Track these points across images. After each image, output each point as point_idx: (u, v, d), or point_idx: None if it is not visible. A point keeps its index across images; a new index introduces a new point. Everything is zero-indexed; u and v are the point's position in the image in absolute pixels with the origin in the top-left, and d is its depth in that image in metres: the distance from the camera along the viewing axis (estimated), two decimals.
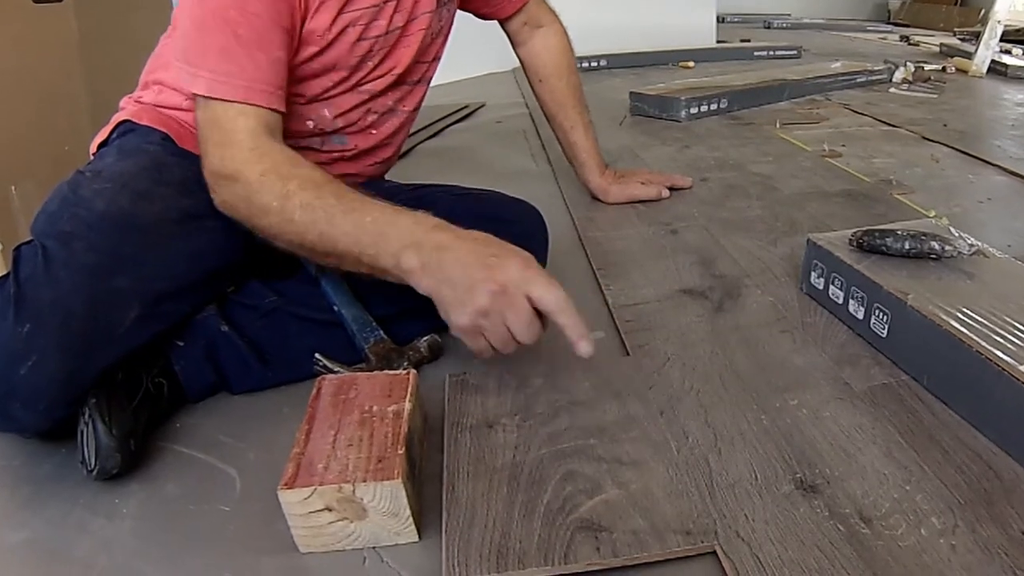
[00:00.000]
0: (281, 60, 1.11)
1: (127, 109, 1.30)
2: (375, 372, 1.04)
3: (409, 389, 0.98)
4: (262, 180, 1.03)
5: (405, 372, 1.02)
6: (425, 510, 0.90)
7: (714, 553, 0.81)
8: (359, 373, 1.03)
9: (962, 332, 1.00)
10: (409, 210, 1.03)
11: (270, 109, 1.09)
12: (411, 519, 0.84)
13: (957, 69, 3.68)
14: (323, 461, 0.85)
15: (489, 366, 1.13)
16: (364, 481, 0.82)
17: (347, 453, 0.86)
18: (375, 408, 0.95)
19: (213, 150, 1.07)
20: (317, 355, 1.16)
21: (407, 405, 0.94)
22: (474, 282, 0.95)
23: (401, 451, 0.86)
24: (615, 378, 1.12)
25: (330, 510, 0.83)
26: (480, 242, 0.99)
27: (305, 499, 0.82)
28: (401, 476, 0.82)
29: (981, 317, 1.03)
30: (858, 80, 3.36)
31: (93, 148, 1.30)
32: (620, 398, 1.07)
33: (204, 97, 1.07)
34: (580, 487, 0.90)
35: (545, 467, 0.93)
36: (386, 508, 0.83)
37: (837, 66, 3.46)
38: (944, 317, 1.04)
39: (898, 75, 3.43)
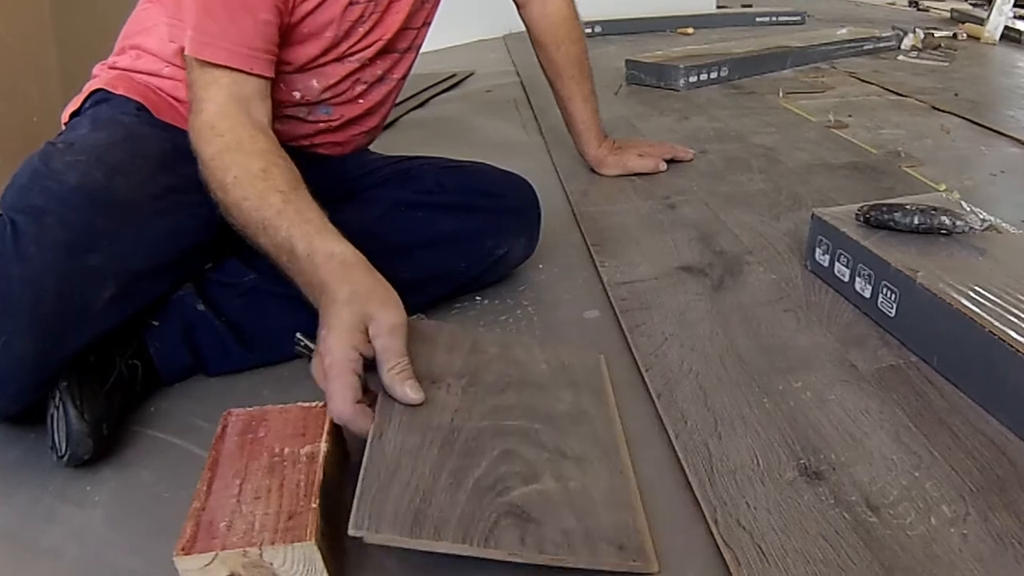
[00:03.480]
0: (269, 23, 1.10)
1: (101, 77, 1.28)
2: (288, 405, 0.94)
3: (325, 426, 0.89)
4: (212, 163, 1.03)
5: (321, 405, 0.91)
6: (345, 561, 0.83)
7: (721, 562, 0.79)
8: (269, 407, 0.94)
9: (974, 311, 1.00)
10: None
11: (251, 74, 1.08)
12: None
13: (969, 36, 3.67)
14: (226, 518, 0.76)
15: (480, 315, 1.08)
16: (272, 543, 0.74)
17: (253, 508, 0.78)
18: (286, 450, 0.86)
19: (190, 117, 1.08)
20: (298, 335, 1.14)
21: (323, 447, 0.86)
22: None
23: (314, 504, 0.78)
24: (575, 368, 1.08)
25: None
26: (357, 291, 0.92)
27: (205, 566, 0.73)
28: (314, 536, 0.74)
29: (994, 295, 1.03)
30: (865, 47, 3.35)
31: (65, 118, 1.28)
32: (575, 389, 1.03)
33: (189, 56, 1.08)
34: (516, 470, 0.85)
35: (483, 439, 0.88)
36: (299, 573, 0.75)
37: (843, 32, 3.45)
38: (955, 295, 1.04)
39: (907, 42, 3.41)
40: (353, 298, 0.89)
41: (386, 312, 0.89)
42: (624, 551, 0.79)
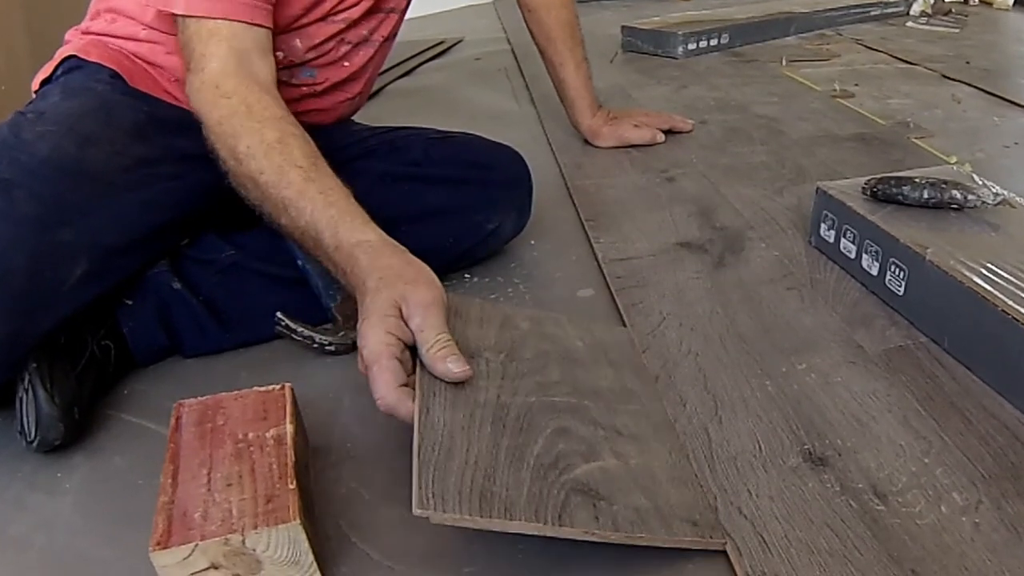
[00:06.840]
0: None
1: (73, 42, 1.26)
2: (243, 391, 0.93)
3: (287, 408, 0.89)
4: (219, 129, 1.02)
5: (279, 388, 0.93)
6: (327, 549, 0.83)
7: (723, 552, 0.79)
8: (223, 394, 0.93)
9: (986, 289, 0.99)
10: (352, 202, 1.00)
11: (252, 24, 1.07)
12: (315, 565, 0.77)
13: (981, 1, 3.66)
14: (200, 508, 0.76)
15: (470, 293, 1.07)
16: (255, 528, 0.74)
17: (227, 495, 0.77)
18: (250, 435, 0.86)
19: (189, 77, 1.07)
20: (279, 315, 1.14)
21: (288, 428, 0.86)
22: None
23: (292, 485, 0.78)
24: (609, 345, 1.07)
25: (217, 568, 0.74)
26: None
27: (184, 559, 0.72)
28: (298, 516, 0.75)
29: (1007, 273, 1.02)
30: (872, 13, 3.33)
31: (35, 85, 1.27)
32: (615, 366, 1.02)
33: (183, 16, 1.06)
34: (574, 447, 0.83)
35: (535, 416, 0.86)
36: (284, 556, 0.75)
37: None
38: (966, 273, 1.03)
39: (916, 7, 3.40)
40: (382, 284, 0.87)
41: (417, 290, 0.87)
42: (699, 527, 0.79)
